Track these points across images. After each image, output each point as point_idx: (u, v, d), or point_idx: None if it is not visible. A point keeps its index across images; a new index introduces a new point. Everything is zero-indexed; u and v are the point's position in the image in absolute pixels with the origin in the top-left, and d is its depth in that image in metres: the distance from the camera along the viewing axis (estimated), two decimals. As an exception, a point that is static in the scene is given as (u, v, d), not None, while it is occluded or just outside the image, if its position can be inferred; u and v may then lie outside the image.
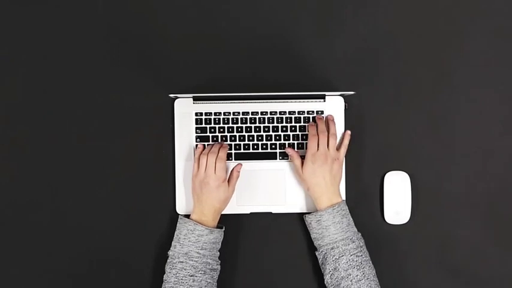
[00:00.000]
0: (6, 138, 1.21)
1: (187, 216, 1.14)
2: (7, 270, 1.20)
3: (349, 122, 1.20)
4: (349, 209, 1.15)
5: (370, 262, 1.11)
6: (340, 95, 1.20)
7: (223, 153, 1.14)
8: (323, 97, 1.19)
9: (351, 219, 1.13)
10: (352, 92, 1.14)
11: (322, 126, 1.16)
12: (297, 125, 1.20)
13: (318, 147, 1.13)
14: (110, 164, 1.21)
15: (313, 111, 1.20)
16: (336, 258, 1.09)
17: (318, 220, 1.12)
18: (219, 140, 1.19)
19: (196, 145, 1.19)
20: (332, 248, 1.09)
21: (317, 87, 1.21)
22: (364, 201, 1.21)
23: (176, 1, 1.22)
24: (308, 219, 1.14)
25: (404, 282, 1.21)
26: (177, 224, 1.13)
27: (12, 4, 1.21)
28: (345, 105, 1.20)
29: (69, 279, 1.20)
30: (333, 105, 1.20)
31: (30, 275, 1.20)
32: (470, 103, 1.22)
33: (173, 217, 1.19)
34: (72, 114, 1.21)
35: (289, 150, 1.17)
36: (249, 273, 1.21)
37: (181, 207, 1.20)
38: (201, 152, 1.16)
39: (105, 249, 1.21)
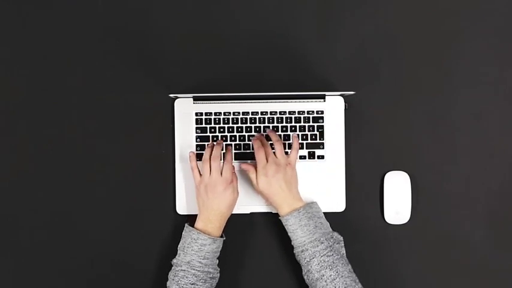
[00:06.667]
0: (6, 138, 1.21)
1: (190, 216, 1.13)
2: (7, 270, 1.21)
3: (349, 122, 1.20)
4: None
5: (344, 259, 1.09)
6: (340, 95, 1.20)
7: (229, 156, 1.13)
8: (323, 97, 1.19)
9: (321, 221, 1.11)
10: (352, 92, 1.14)
11: (264, 140, 1.14)
12: (297, 125, 1.20)
13: (267, 159, 1.12)
14: (109, 163, 1.21)
15: (313, 111, 1.20)
16: (307, 261, 1.08)
17: (285, 224, 1.11)
18: (219, 139, 1.19)
19: (190, 154, 1.16)
20: (302, 251, 1.09)
21: (317, 87, 1.21)
22: (364, 201, 1.21)
23: (176, 1, 1.22)
24: (281, 220, 1.13)
25: (404, 282, 1.21)
26: (183, 233, 1.12)
27: (12, 4, 1.21)
28: (345, 105, 1.20)
29: (69, 279, 1.20)
30: (333, 105, 1.20)
31: (30, 275, 1.20)
32: (470, 103, 1.22)
33: (173, 217, 1.19)
34: (72, 114, 1.21)
35: (243, 166, 1.15)
36: (249, 273, 1.21)
37: (181, 207, 1.20)
38: (196, 160, 1.15)
39: (105, 249, 1.21)
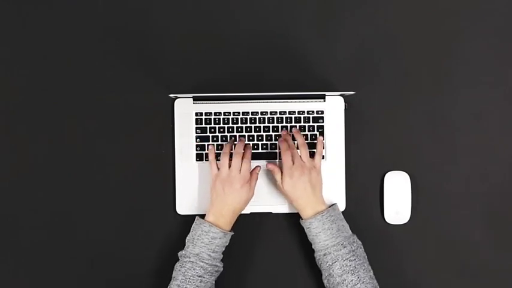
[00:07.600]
0: (6, 138, 1.21)
1: (203, 216, 1.13)
2: (7, 270, 1.20)
3: (349, 122, 1.20)
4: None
5: (366, 264, 1.10)
6: (340, 95, 1.20)
7: (249, 154, 1.14)
8: (323, 97, 1.19)
9: (343, 223, 1.12)
10: (352, 92, 1.14)
11: (290, 141, 1.15)
12: (297, 125, 1.20)
13: (292, 161, 1.12)
14: (109, 164, 1.21)
15: (313, 111, 1.20)
16: (329, 265, 1.08)
17: (308, 227, 1.11)
18: (219, 139, 1.19)
19: (208, 145, 1.18)
20: (324, 254, 1.09)
21: (317, 87, 1.21)
22: (364, 201, 1.21)
23: (176, 1, 1.22)
24: (302, 224, 1.14)
25: (404, 282, 1.21)
26: (193, 225, 1.12)
27: (12, 4, 1.21)
28: (345, 105, 1.20)
29: (69, 279, 1.20)
30: (333, 105, 1.20)
31: (30, 275, 1.20)
32: (470, 103, 1.22)
33: (173, 217, 1.19)
34: (72, 114, 1.21)
35: (269, 166, 1.16)
36: (249, 273, 1.21)
37: (181, 207, 1.20)
38: (215, 153, 1.16)
39: (105, 249, 1.21)
